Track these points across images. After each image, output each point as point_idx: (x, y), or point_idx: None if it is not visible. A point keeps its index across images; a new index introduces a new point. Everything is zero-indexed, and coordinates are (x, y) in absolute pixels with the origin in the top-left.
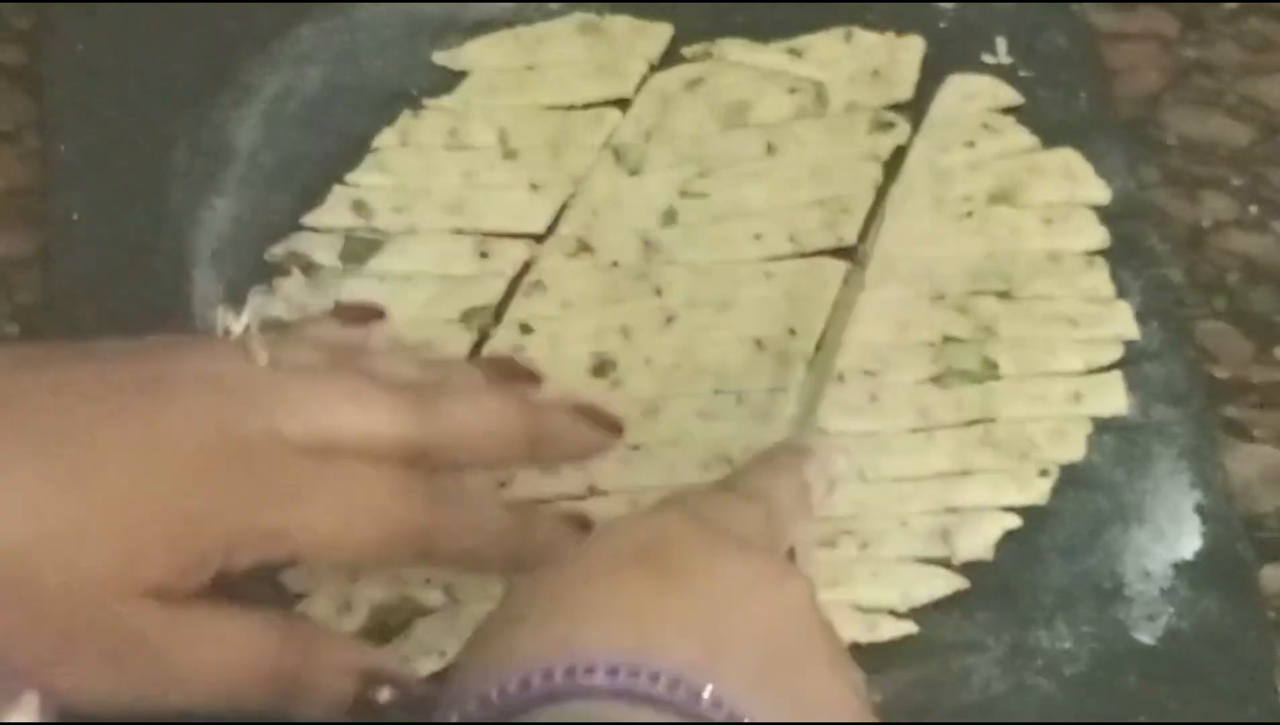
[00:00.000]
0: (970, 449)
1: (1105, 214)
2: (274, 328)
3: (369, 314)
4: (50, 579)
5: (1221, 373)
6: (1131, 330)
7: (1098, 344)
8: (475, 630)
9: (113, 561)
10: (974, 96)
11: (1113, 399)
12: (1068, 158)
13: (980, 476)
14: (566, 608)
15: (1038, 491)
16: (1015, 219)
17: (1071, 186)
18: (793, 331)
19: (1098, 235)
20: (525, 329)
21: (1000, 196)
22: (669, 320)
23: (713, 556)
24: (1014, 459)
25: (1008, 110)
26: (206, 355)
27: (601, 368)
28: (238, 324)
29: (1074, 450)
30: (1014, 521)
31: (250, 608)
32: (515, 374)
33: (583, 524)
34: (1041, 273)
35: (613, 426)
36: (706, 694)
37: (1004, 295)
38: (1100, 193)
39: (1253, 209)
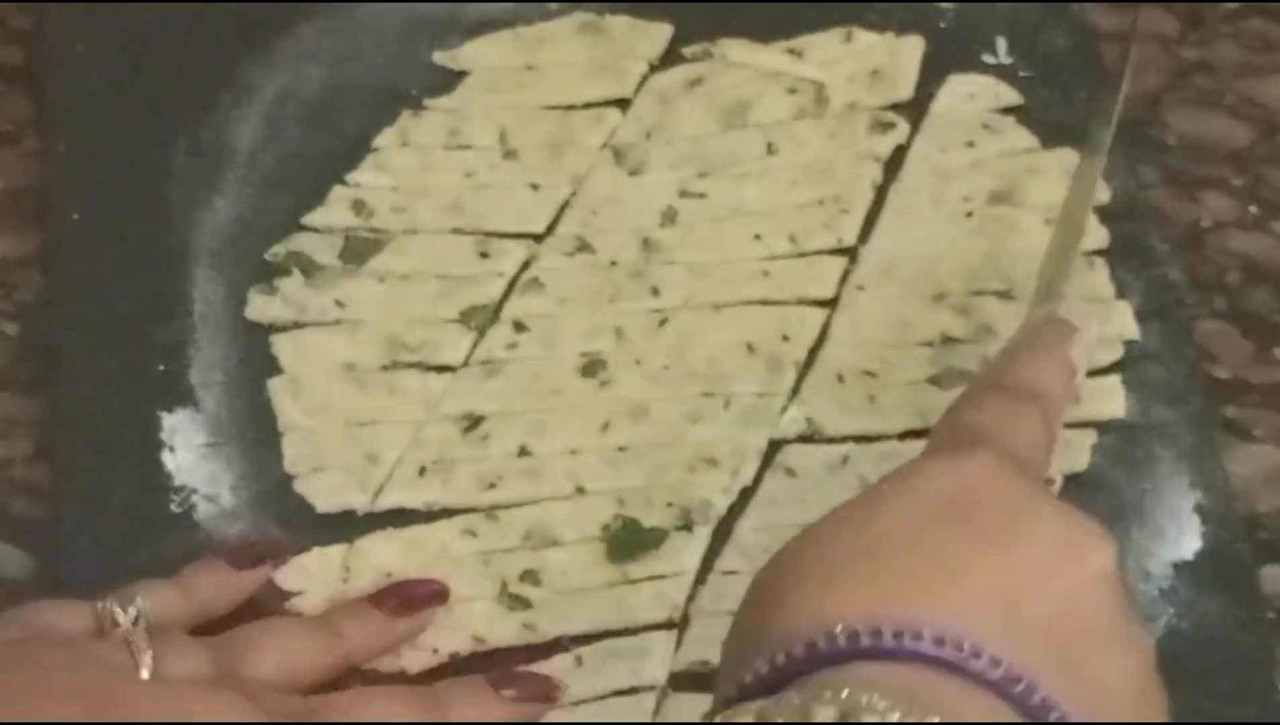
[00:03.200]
0: None
1: (1105, 214)
2: (161, 591)
3: (261, 556)
4: None
5: (1221, 373)
6: (1132, 330)
7: (1098, 344)
8: (769, 563)
9: None
10: (974, 96)
11: (1111, 403)
12: (1067, 158)
13: None
14: (882, 564)
15: None
16: (1016, 219)
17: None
18: (785, 337)
19: (1098, 235)
20: (520, 327)
21: (1000, 196)
22: (663, 322)
23: (1026, 514)
24: None
25: (1007, 110)
26: (74, 664)
27: (591, 368)
28: (125, 618)
29: (1078, 460)
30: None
31: None
32: (412, 600)
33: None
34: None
35: (543, 693)
36: (1022, 683)
37: (1004, 295)
38: (1100, 192)
39: (1253, 209)
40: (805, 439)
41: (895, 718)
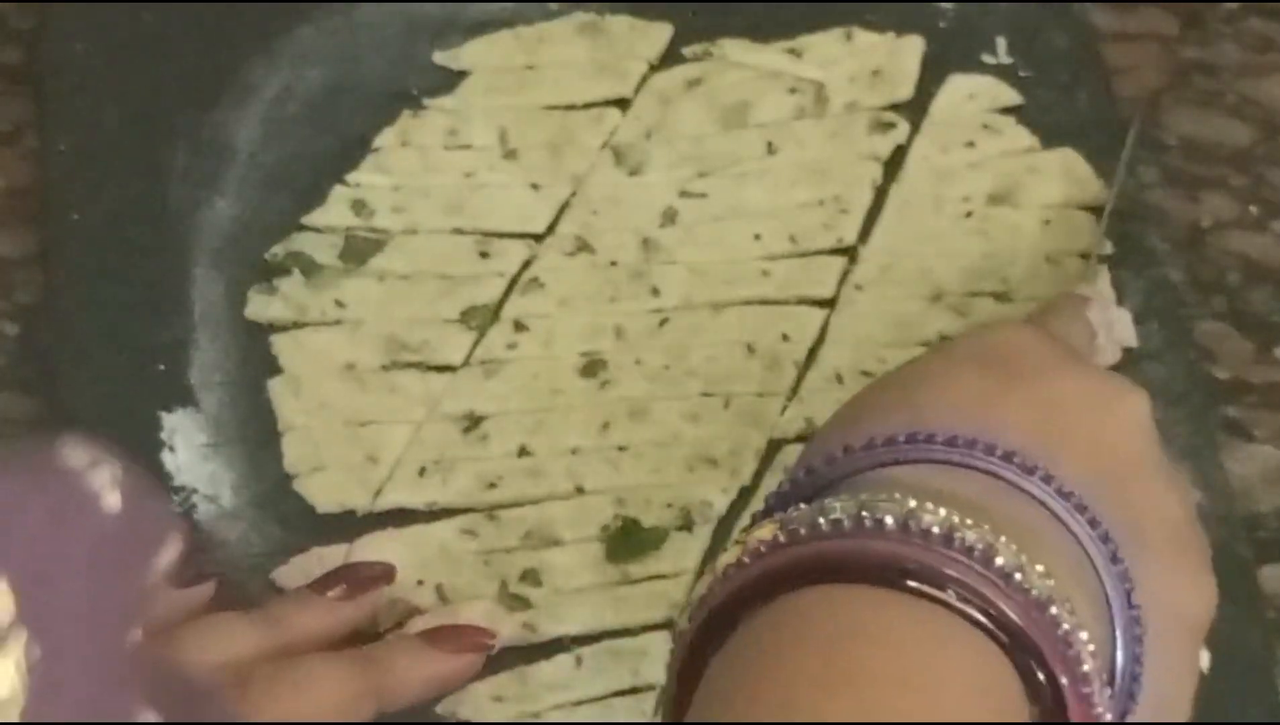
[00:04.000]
0: None
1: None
2: None
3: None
4: None
5: (1221, 373)
6: (1130, 338)
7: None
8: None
9: None
10: (974, 96)
11: None
12: (1067, 158)
13: None
14: (911, 395)
15: None
16: (1014, 219)
17: (1071, 186)
18: (785, 337)
19: (1096, 238)
20: (519, 327)
21: (1000, 197)
22: (663, 322)
23: (1058, 365)
24: None
25: (1007, 110)
26: None
27: (591, 368)
28: None
29: None
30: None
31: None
32: (359, 582)
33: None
34: (1039, 276)
35: (476, 643)
36: (1039, 473)
37: (1001, 297)
38: (1099, 192)
39: (1253, 209)
40: (805, 438)
41: (942, 514)
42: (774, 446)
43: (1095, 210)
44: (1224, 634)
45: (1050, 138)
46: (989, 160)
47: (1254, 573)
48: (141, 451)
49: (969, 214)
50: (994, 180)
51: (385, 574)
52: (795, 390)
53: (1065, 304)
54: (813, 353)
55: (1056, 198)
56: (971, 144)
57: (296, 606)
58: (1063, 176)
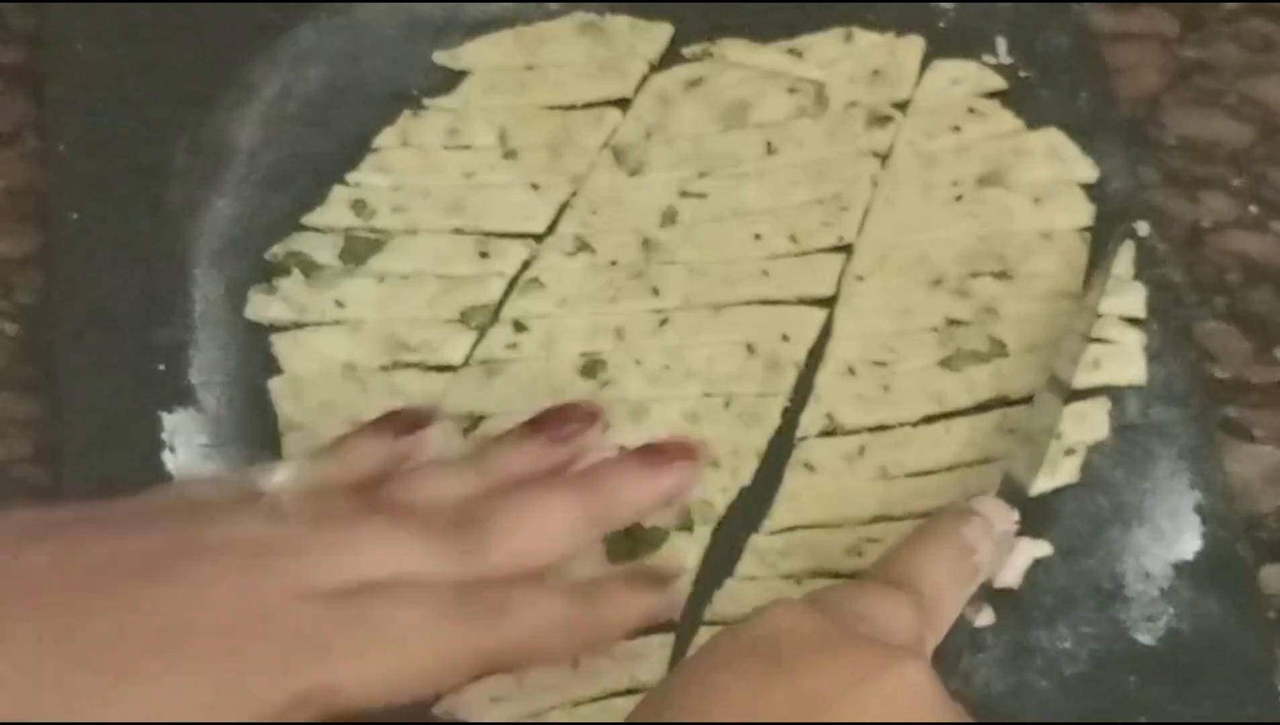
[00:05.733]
0: (987, 436)
1: (1105, 214)
2: (318, 459)
3: (419, 422)
4: None
5: (1221, 373)
6: (1137, 307)
7: (1101, 319)
8: None
9: None
10: (958, 82)
11: (1131, 367)
12: (1053, 137)
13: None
14: (683, 704)
15: (1067, 471)
16: (1005, 200)
17: (1058, 165)
18: (785, 337)
19: (1087, 212)
20: (519, 327)
21: (989, 179)
22: (663, 322)
23: (821, 646)
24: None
25: (992, 95)
26: (228, 518)
27: (591, 368)
28: (273, 478)
29: (1097, 429)
30: (1045, 549)
31: None
32: (568, 419)
33: (656, 579)
34: (1036, 251)
35: (683, 455)
36: None
37: (1001, 275)
38: (1087, 170)
39: (1253, 209)
40: (828, 435)
41: None
42: (774, 446)
43: (1085, 187)
44: (1224, 634)
45: (1035, 119)
46: (975, 144)
47: (1254, 573)
48: (141, 451)
49: (959, 197)
50: (982, 163)
51: (593, 414)
52: (810, 389)
53: (929, 530)
54: (821, 349)
55: (1045, 176)
56: (957, 129)
57: (510, 449)
58: (1049, 156)
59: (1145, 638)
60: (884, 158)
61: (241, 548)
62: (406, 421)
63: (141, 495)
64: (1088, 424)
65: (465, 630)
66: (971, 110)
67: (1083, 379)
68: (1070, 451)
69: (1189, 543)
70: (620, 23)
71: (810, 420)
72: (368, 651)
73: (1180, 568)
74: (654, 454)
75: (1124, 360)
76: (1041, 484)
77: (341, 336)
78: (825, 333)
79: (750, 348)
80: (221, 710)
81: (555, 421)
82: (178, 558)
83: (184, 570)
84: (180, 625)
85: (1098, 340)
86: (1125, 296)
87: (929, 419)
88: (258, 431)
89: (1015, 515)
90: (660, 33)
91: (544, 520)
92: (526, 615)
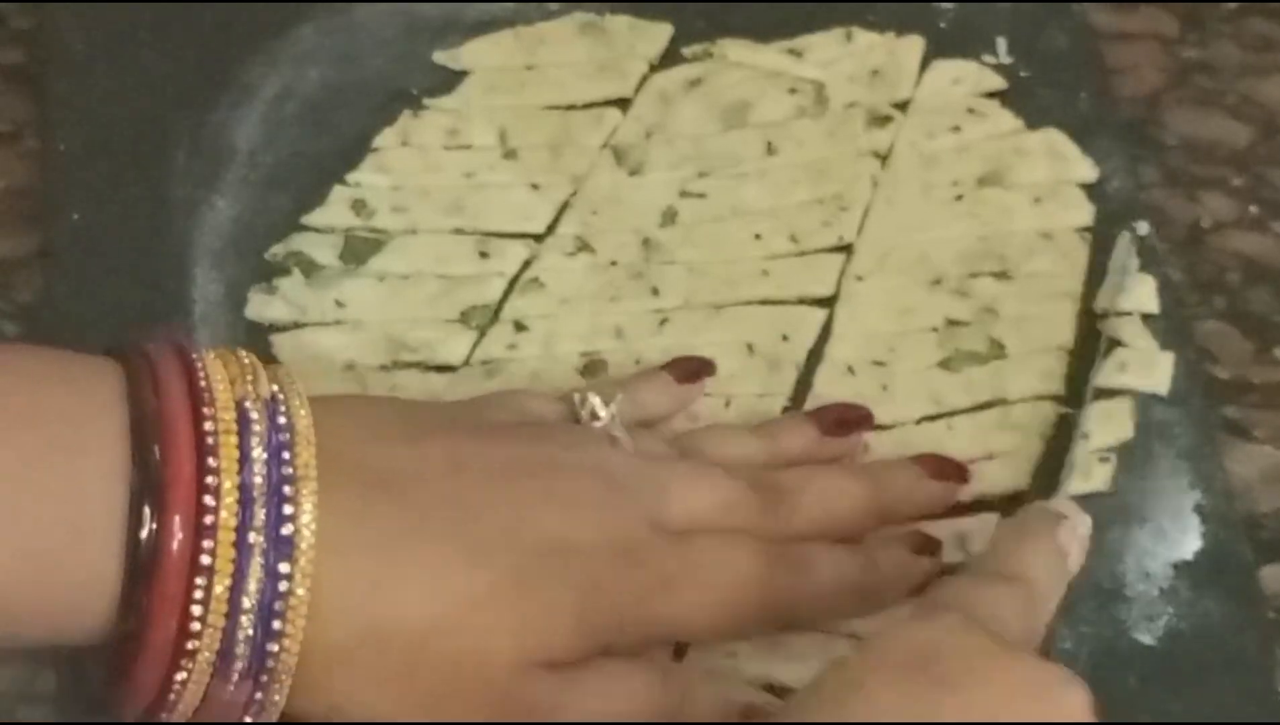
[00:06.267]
0: (988, 435)
1: (1105, 214)
2: (620, 398)
3: (700, 370)
4: (446, 655)
5: (1221, 373)
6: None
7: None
8: None
9: (508, 639)
10: (958, 81)
11: (1158, 373)
12: (1052, 137)
13: (1005, 459)
14: (840, 713)
15: (1100, 477)
16: (1005, 200)
17: (1058, 165)
18: (785, 337)
19: (1087, 212)
20: (520, 327)
21: (989, 179)
22: (663, 322)
23: (989, 666)
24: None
25: (991, 94)
26: (579, 443)
27: (591, 368)
28: (606, 411)
29: (1122, 430)
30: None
31: (629, 659)
32: (847, 422)
33: (925, 547)
34: (1036, 251)
35: (959, 474)
36: None
37: (1001, 275)
38: (1087, 170)
39: (1253, 209)
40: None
41: None
42: None
43: (1085, 187)
44: (1224, 634)
45: (1034, 119)
46: (975, 144)
47: (1254, 573)
48: None
49: (959, 197)
50: (982, 163)
51: (868, 417)
52: (810, 388)
53: (1028, 529)
54: (821, 349)
55: (1045, 176)
56: (957, 129)
57: (791, 431)
58: (1049, 156)
59: (1145, 637)
60: (884, 158)
61: (598, 474)
62: (690, 368)
63: (465, 402)
64: (1114, 424)
65: (781, 583)
66: (971, 110)
67: (1108, 380)
68: (1104, 458)
69: (1189, 543)
70: (620, 23)
71: None
72: (708, 592)
73: (1180, 568)
74: (947, 466)
75: (1150, 368)
76: (1074, 487)
77: (341, 336)
78: (825, 333)
79: (750, 348)
80: (571, 631)
81: (837, 416)
82: (552, 469)
83: (561, 488)
84: (564, 540)
85: (1120, 343)
86: (1138, 291)
87: (928, 419)
88: None
89: (1089, 520)
90: (660, 33)
91: (840, 499)
92: (828, 575)
